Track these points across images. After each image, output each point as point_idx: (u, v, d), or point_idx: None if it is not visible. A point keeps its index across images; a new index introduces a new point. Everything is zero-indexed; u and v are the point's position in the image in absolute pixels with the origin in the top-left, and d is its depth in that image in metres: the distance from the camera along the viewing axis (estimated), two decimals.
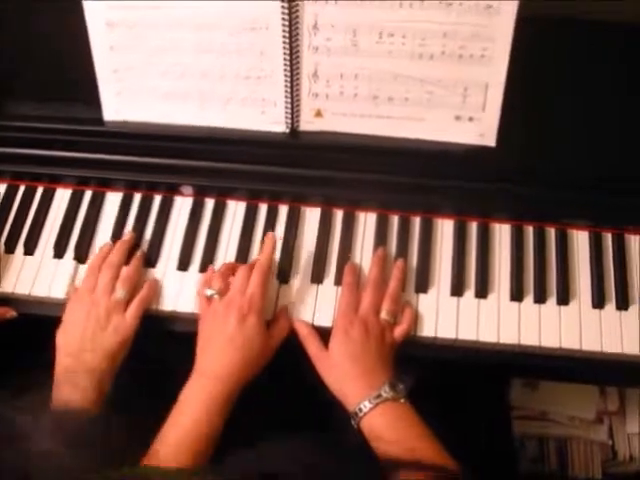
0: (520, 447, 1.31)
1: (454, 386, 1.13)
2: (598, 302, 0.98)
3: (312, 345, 0.93)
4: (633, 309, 0.98)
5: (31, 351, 0.96)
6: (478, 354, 0.97)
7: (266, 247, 0.97)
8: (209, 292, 0.95)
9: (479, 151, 0.97)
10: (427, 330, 0.97)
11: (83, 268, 1.03)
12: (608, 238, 1.03)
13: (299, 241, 1.03)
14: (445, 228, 1.04)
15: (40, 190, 1.09)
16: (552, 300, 0.98)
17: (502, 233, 1.03)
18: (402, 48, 0.91)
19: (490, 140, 0.96)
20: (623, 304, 0.98)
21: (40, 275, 1.03)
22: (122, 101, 1.00)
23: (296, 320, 0.96)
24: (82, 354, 0.93)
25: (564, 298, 0.98)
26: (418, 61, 0.91)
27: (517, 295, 0.98)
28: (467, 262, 1.01)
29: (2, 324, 1.06)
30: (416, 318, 0.97)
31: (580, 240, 1.03)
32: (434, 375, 1.14)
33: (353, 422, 0.87)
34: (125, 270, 0.99)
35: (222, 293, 0.94)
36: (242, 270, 0.95)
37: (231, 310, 0.91)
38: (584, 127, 0.99)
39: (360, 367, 0.89)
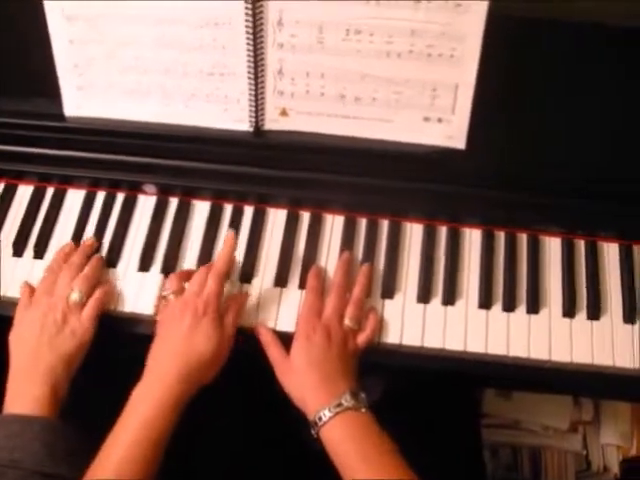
0: (493, 455, 1.28)
1: (422, 395, 1.11)
2: (569, 311, 0.95)
3: (273, 351, 0.91)
4: (605, 319, 0.95)
5: None
6: (444, 362, 0.95)
7: (224, 248, 0.94)
8: (165, 292, 0.92)
9: (448, 153, 0.94)
10: (392, 337, 0.94)
11: (42, 267, 1.00)
12: (581, 245, 1.00)
13: (263, 243, 1.01)
14: (414, 232, 1.01)
15: (0, 187, 1.07)
16: (522, 308, 0.96)
17: (472, 238, 1.01)
18: (369, 46, 0.88)
19: (459, 142, 0.93)
20: (594, 314, 0.95)
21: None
22: (83, 96, 0.97)
23: (258, 325, 0.94)
24: (37, 358, 0.89)
25: (534, 306, 0.96)
26: (386, 60, 0.89)
27: (486, 303, 0.96)
28: (435, 268, 0.99)
29: None
30: (381, 324, 0.95)
31: (552, 247, 1.00)
32: (402, 384, 1.12)
33: (313, 431, 0.84)
34: (83, 270, 0.96)
35: (177, 294, 0.91)
36: (199, 271, 0.92)
37: (186, 311, 0.88)
38: (557, 130, 0.96)
39: (321, 374, 0.86)
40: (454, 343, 0.94)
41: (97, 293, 0.95)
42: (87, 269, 0.96)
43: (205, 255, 1.00)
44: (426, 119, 0.92)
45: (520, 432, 1.27)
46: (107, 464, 0.80)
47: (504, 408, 1.27)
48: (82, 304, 0.93)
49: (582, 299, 0.97)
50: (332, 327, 0.90)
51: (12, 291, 0.98)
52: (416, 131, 0.93)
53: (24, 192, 1.06)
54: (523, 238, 1.00)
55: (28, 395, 0.87)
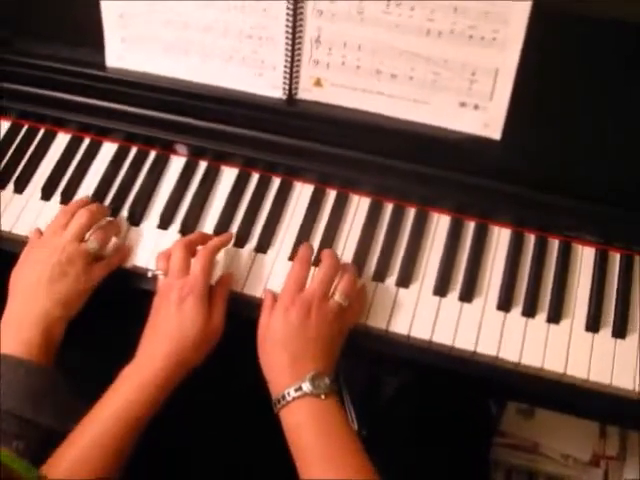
0: (507, 478, 1.21)
1: (434, 398, 1.06)
2: (593, 325, 0.89)
3: (264, 313, 0.87)
4: (630, 339, 0.89)
5: None
6: (452, 361, 0.90)
7: (222, 238, 0.93)
8: (154, 272, 0.91)
9: (483, 143, 0.90)
10: (401, 327, 0.90)
11: None
12: (616, 258, 0.94)
13: (285, 216, 0.99)
14: (440, 223, 0.97)
15: (41, 132, 1.09)
16: (542, 316, 0.90)
17: (500, 237, 0.96)
18: (409, 21, 0.85)
19: (495, 132, 0.89)
20: (620, 332, 0.89)
21: (25, 214, 1.02)
22: (126, 48, 0.98)
23: (266, 290, 0.92)
24: (33, 300, 0.88)
25: (556, 316, 0.90)
26: (425, 38, 0.86)
27: (505, 304, 0.91)
28: (457, 262, 0.94)
29: None
30: (392, 312, 0.91)
31: (585, 256, 0.94)
32: (415, 384, 1.08)
33: (274, 409, 0.81)
34: (102, 222, 0.96)
35: (166, 273, 0.89)
36: (178, 250, 0.89)
37: (169, 292, 0.86)
38: (602, 133, 0.90)
39: (289, 354, 0.82)
40: (465, 342, 0.89)
41: (115, 253, 0.94)
42: (108, 222, 0.97)
43: (224, 221, 0.99)
44: (462, 104, 0.89)
45: (538, 457, 1.19)
46: (81, 438, 0.79)
47: (524, 428, 1.20)
48: (93, 255, 0.92)
49: (609, 315, 0.90)
50: (314, 303, 0.84)
51: None
52: (451, 116, 0.90)
53: (62, 140, 1.08)
54: (555, 244, 0.95)
55: (19, 337, 0.86)
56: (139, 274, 0.97)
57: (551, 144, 0.89)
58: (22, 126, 1.09)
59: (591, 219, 0.93)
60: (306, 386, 0.79)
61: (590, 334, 0.89)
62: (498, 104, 0.87)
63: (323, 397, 0.79)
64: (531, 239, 0.95)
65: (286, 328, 0.83)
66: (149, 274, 0.92)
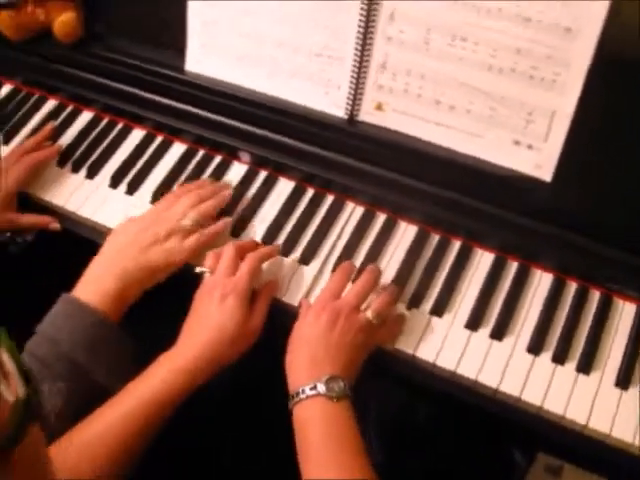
0: None
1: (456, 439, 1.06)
2: (623, 382, 0.87)
3: (300, 317, 0.90)
4: None
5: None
6: (475, 396, 0.90)
7: (271, 248, 0.97)
8: (199, 270, 0.94)
9: (533, 183, 0.91)
10: (428, 354, 0.91)
11: (130, 202, 1.07)
12: None
13: (332, 233, 1.01)
14: (483, 259, 0.97)
15: (120, 126, 1.16)
16: (572, 364, 0.89)
17: (541, 281, 0.95)
18: (473, 56, 0.87)
19: (546, 174, 0.89)
20: None
21: (92, 199, 1.08)
22: (205, 54, 1.04)
23: (303, 300, 0.94)
24: (122, 257, 0.93)
25: (586, 366, 0.88)
26: (487, 73, 0.87)
27: (535, 347, 0.90)
28: (494, 299, 0.94)
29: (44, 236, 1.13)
30: (421, 339, 0.92)
31: (625, 312, 0.92)
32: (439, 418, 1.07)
33: (289, 404, 0.83)
34: (205, 204, 1.00)
35: (213, 272, 0.93)
36: (229, 251, 0.93)
37: (213, 289, 0.90)
38: None
39: (310, 353, 0.84)
40: (489, 378, 0.89)
41: (209, 229, 0.98)
42: (210, 203, 1.00)
43: (272, 231, 1.02)
44: (516, 142, 0.90)
45: None
46: (102, 417, 0.82)
47: None
48: (188, 232, 0.96)
49: None
50: (343, 312, 0.87)
51: (98, 217, 1.06)
52: (504, 153, 0.91)
53: (136, 135, 1.15)
54: (595, 295, 0.94)
55: (97, 286, 0.90)
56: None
57: (602, 191, 0.89)
58: (103, 118, 1.17)
59: (637, 274, 0.91)
60: (321, 387, 0.81)
61: (619, 390, 0.87)
62: (552, 146, 0.88)
63: (335, 400, 0.81)
64: (572, 287, 0.94)
65: (313, 330, 0.86)
66: (196, 269, 0.95)
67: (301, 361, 0.85)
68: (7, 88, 1.24)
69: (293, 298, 0.96)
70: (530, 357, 0.90)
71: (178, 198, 1.00)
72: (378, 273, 0.93)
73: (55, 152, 1.12)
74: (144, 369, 0.86)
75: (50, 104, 1.20)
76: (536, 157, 0.89)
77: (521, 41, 0.84)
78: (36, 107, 1.20)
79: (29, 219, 1.07)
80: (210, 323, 0.88)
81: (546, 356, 0.90)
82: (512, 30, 0.84)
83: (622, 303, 0.93)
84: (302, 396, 0.81)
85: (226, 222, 1.00)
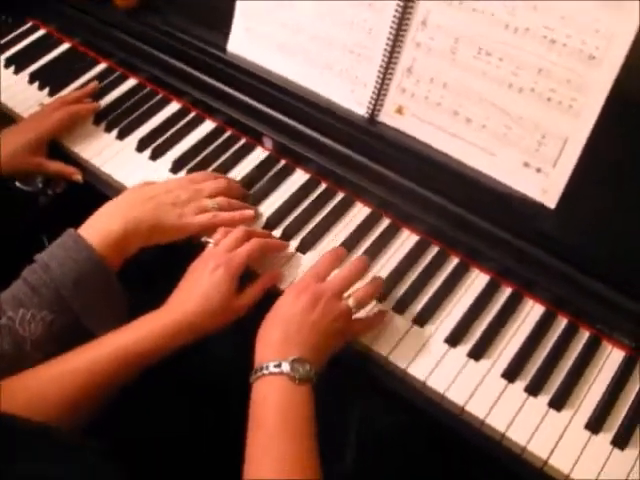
0: None
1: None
2: (594, 426, 0.84)
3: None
4: (630, 452, 0.83)
5: None
6: (441, 413, 0.88)
7: (282, 243, 0.99)
8: (204, 239, 0.96)
9: (536, 208, 0.89)
10: (402, 360, 0.89)
11: (152, 168, 1.11)
12: None
13: (334, 228, 1.02)
14: (478, 279, 0.96)
15: (159, 96, 1.20)
16: (544, 398, 0.86)
17: (532, 311, 0.93)
18: (495, 71, 0.87)
19: (551, 200, 0.88)
20: (621, 442, 0.83)
21: (117, 158, 1.12)
22: (246, 37, 1.07)
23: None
24: (141, 205, 0.95)
25: (558, 403, 0.85)
26: (507, 90, 0.87)
27: (511, 374, 0.87)
28: (480, 320, 0.92)
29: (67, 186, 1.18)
30: (397, 344, 0.90)
31: (612, 358, 0.89)
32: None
33: (251, 379, 0.82)
34: (232, 206, 1.01)
35: (215, 245, 0.94)
36: (239, 231, 0.94)
37: (209, 259, 0.91)
38: None
39: (282, 332, 0.83)
40: (458, 396, 0.86)
41: (226, 213, 0.99)
42: (232, 211, 1.01)
43: (276, 218, 1.03)
44: (526, 164, 0.89)
45: None
46: (65, 363, 0.83)
47: None
48: (205, 210, 0.98)
49: (615, 421, 0.84)
50: (325, 296, 0.86)
51: (119, 175, 1.09)
52: (512, 173, 0.90)
53: (173, 107, 1.19)
54: (585, 334, 0.91)
55: (102, 226, 0.92)
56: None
57: (606, 228, 0.86)
58: (145, 87, 1.22)
59: (631, 319, 0.88)
60: (285, 365, 0.80)
61: (588, 433, 0.84)
62: (560, 172, 0.86)
63: (297, 382, 0.80)
64: (562, 322, 0.92)
65: (290, 309, 0.86)
66: (202, 239, 0.97)
67: (272, 337, 0.84)
68: (65, 46, 1.30)
69: (283, 283, 0.97)
70: (504, 382, 0.87)
71: (212, 179, 1.03)
72: (366, 264, 0.92)
73: (93, 109, 1.17)
74: None
75: (100, 67, 1.26)
76: (543, 181, 0.88)
77: (544, 62, 0.84)
78: (87, 67, 1.26)
79: (56, 166, 1.11)
80: (197, 290, 0.89)
81: (520, 385, 0.87)
82: (537, 50, 0.84)
83: (610, 348, 0.90)
84: (265, 372, 0.80)
85: (243, 214, 1.01)
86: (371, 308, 0.93)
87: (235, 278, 0.90)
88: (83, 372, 0.83)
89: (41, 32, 1.34)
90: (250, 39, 1.07)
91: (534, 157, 0.88)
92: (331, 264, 0.91)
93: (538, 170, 0.88)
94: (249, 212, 1.02)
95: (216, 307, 0.88)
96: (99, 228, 0.92)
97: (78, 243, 0.89)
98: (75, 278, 0.87)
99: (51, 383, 0.81)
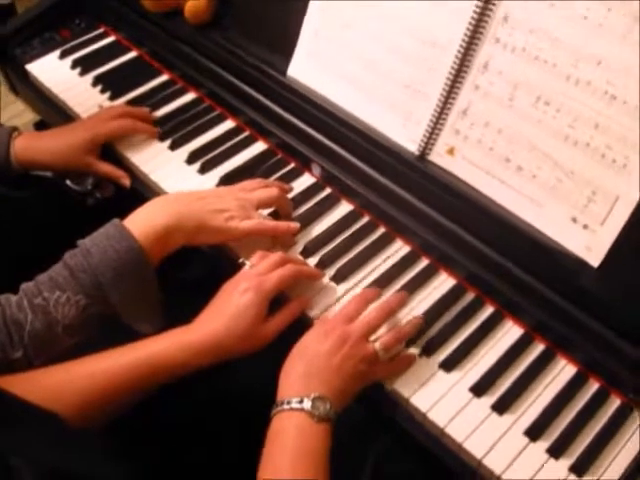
0: None
1: None
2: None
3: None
4: (563, 462, 0.82)
5: None
6: (456, 462, 0.85)
7: (318, 272, 0.98)
8: (242, 260, 0.96)
9: (579, 265, 0.86)
10: (423, 403, 0.86)
11: (199, 179, 1.12)
12: None
13: (371, 262, 1.01)
14: (511, 332, 0.93)
15: (216, 112, 1.22)
16: (565, 461, 0.82)
17: (563, 372, 0.90)
18: (552, 122, 0.86)
19: (595, 259, 0.85)
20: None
21: (167, 168, 1.14)
22: (307, 62, 1.08)
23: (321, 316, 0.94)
24: (186, 203, 0.96)
25: (581, 468, 0.82)
26: (561, 142, 0.86)
27: (534, 432, 0.84)
28: (508, 373, 0.89)
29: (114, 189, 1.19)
30: (420, 387, 0.88)
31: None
32: None
33: (272, 412, 0.81)
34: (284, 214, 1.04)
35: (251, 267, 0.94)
36: (276, 256, 0.94)
37: (241, 281, 0.91)
38: None
39: (307, 370, 0.83)
40: (476, 448, 0.83)
41: (271, 222, 1.01)
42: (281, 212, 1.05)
43: (316, 245, 1.02)
44: (573, 219, 0.86)
45: None
46: (90, 363, 0.84)
47: None
48: (246, 217, 0.98)
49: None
50: (350, 339, 0.85)
51: (165, 184, 1.11)
52: (558, 226, 0.88)
53: (227, 125, 1.21)
54: (615, 402, 0.87)
55: (148, 219, 0.93)
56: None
57: None
58: (203, 102, 1.24)
59: None
60: (307, 402, 0.79)
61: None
62: (607, 231, 0.84)
63: (316, 419, 0.79)
64: (593, 386, 0.89)
65: (316, 348, 0.85)
66: (240, 260, 0.97)
67: (296, 373, 0.84)
68: (132, 54, 1.34)
69: (313, 311, 0.96)
70: (525, 440, 0.84)
71: (263, 186, 1.03)
72: (397, 305, 0.91)
73: (154, 134, 1.18)
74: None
75: (162, 78, 1.30)
76: (589, 238, 0.86)
77: (602, 117, 0.82)
78: (150, 77, 1.29)
79: (105, 168, 1.13)
80: (226, 311, 0.89)
81: (542, 445, 0.84)
82: (596, 104, 0.82)
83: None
84: (285, 406, 0.80)
85: (289, 225, 1.02)
86: (399, 349, 0.91)
87: (264, 302, 0.90)
88: (102, 376, 0.83)
89: (111, 39, 1.38)
90: (310, 64, 1.07)
91: (582, 213, 0.86)
92: (361, 306, 0.90)
93: (585, 226, 0.86)
94: (295, 224, 1.02)
95: (242, 330, 0.88)
96: (143, 220, 0.93)
97: (121, 232, 0.90)
98: (114, 266, 0.87)
99: (68, 384, 0.82)
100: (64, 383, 0.82)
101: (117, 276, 0.88)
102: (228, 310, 0.88)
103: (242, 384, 1.03)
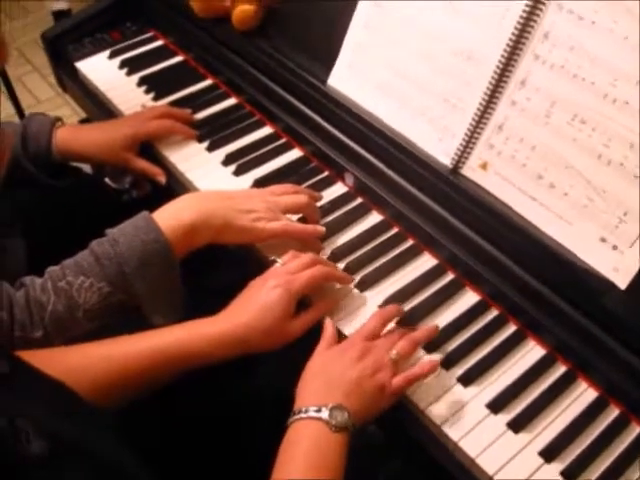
0: None
1: None
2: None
3: (329, 336, 0.90)
4: None
5: None
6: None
7: (347, 276, 0.98)
8: (273, 257, 0.97)
9: (605, 286, 0.85)
10: (438, 417, 0.85)
11: (234, 181, 1.14)
12: None
13: (397, 272, 1.01)
14: (532, 352, 0.92)
15: (255, 118, 1.24)
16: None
17: (584, 395, 0.88)
18: (587, 140, 0.85)
19: (622, 280, 0.84)
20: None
21: (202, 167, 1.16)
22: (348, 73, 1.09)
23: (331, 320, 0.93)
24: (215, 201, 0.97)
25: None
26: (595, 161, 0.85)
27: (549, 454, 0.83)
28: (527, 392, 0.88)
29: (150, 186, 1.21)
30: (436, 400, 0.87)
31: None
32: None
33: (289, 420, 0.81)
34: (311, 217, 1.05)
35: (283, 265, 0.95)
36: (307, 256, 0.95)
37: (270, 278, 0.91)
38: None
39: (326, 380, 0.83)
40: (489, 464, 0.82)
41: (299, 224, 1.02)
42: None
43: (344, 252, 1.03)
44: (602, 239, 0.85)
45: None
46: (109, 346, 0.85)
47: None
48: (274, 219, 0.99)
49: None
50: (371, 354, 0.85)
51: (200, 183, 1.13)
52: (587, 246, 0.87)
53: (265, 131, 1.22)
54: (636, 430, 0.85)
55: (176, 213, 0.95)
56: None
57: None
58: (244, 108, 1.26)
59: None
60: (325, 412, 0.79)
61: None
62: (636, 253, 0.83)
63: (333, 429, 0.79)
64: (613, 412, 0.87)
65: (337, 363, 0.85)
66: (270, 258, 0.98)
67: (315, 384, 0.84)
68: (178, 58, 1.37)
69: (336, 315, 0.96)
70: (540, 461, 0.83)
71: (292, 192, 1.04)
72: (425, 340, 0.90)
73: (192, 136, 1.20)
74: None
75: (206, 82, 1.32)
76: (617, 260, 0.84)
77: (637, 137, 0.81)
78: (194, 81, 1.31)
79: (142, 164, 1.15)
80: (253, 306, 0.89)
81: (557, 467, 0.82)
82: (632, 124, 0.82)
83: None
84: (303, 415, 0.80)
85: (316, 228, 1.02)
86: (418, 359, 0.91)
87: (292, 301, 0.90)
88: (118, 360, 0.84)
89: (159, 42, 1.42)
90: (351, 74, 1.08)
91: (612, 233, 0.85)
92: (380, 325, 0.90)
93: (614, 247, 0.85)
94: (321, 228, 1.03)
95: (268, 325, 0.88)
96: (172, 214, 0.95)
97: (148, 224, 0.91)
98: (139, 256, 0.89)
99: (85, 366, 0.83)
100: (81, 364, 0.83)
101: (141, 266, 0.89)
102: (255, 305, 0.89)
103: (261, 386, 1.03)
